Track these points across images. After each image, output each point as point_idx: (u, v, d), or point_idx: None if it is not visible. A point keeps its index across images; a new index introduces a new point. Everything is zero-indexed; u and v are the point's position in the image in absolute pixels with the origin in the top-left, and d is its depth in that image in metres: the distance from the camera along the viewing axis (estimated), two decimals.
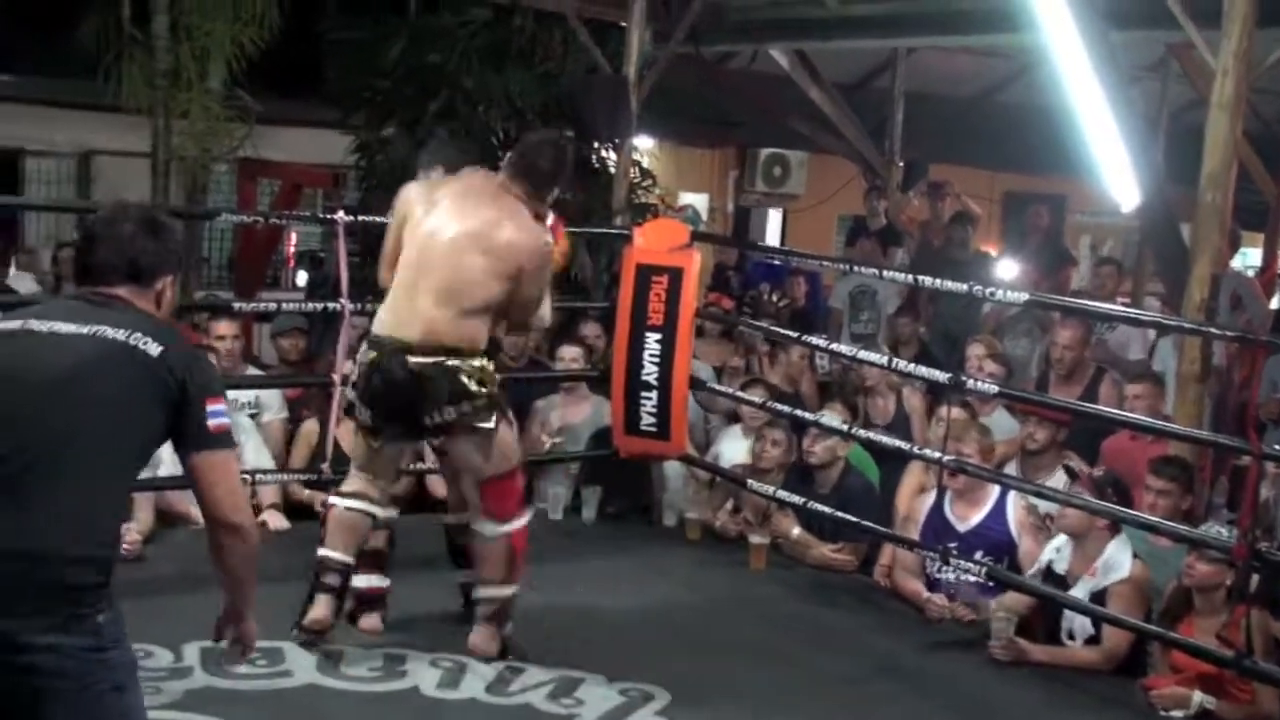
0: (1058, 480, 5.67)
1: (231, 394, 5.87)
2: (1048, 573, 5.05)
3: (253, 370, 6.58)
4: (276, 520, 5.86)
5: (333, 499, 4.72)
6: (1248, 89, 5.32)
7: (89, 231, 2.85)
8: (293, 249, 12.93)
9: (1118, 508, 4.80)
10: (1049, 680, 4.79)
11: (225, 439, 2.75)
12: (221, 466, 2.75)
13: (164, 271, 2.81)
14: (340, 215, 5.63)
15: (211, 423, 2.70)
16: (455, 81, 9.22)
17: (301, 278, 12.70)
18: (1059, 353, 6.40)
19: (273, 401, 6.35)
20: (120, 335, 2.63)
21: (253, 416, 6.15)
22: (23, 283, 7.60)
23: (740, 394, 6.40)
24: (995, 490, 5.40)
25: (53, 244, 9.71)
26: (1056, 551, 5.05)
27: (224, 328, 6.22)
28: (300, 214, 10.93)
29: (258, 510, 5.85)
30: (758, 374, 7.24)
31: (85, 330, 2.63)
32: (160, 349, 2.64)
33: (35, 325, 2.65)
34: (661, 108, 9.01)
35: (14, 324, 2.68)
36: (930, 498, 5.54)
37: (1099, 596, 4.84)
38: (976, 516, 5.40)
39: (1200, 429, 5.48)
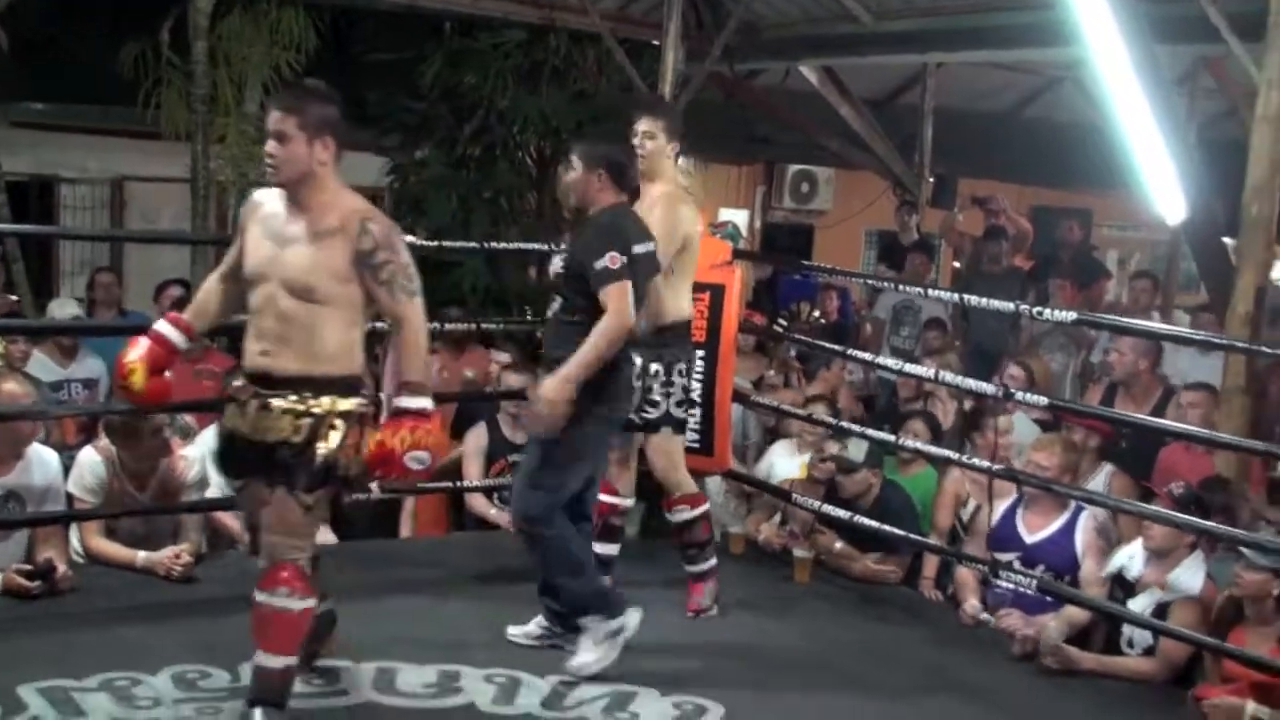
0: (1099, 484, 5.70)
1: None
2: (1118, 578, 5.06)
3: None
4: (324, 535, 5.88)
5: None
6: None
7: None
8: None
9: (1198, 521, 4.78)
10: (1101, 691, 4.79)
11: None
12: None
13: None
14: None
15: None
16: (490, 102, 9.29)
17: None
18: (1115, 358, 6.41)
19: None
20: None
21: None
22: (66, 309, 7.65)
23: (793, 410, 6.43)
24: (1071, 506, 5.41)
25: (87, 270, 9.77)
26: (1130, 558, 5.05)
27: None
28: None
29: None
30: (796, 388, 7.26)
31: None
32: None
33: None
34: (691, 125, 9.04)
35: None
36: (1006, 503, 5.51)
37: (1162, 609, 4.84)
38: (1046, 530, 5.41)
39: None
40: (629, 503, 5.44)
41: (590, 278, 4.49)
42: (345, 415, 3.89)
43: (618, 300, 4.47)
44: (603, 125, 8.39)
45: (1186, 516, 4.77)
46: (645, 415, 5.12)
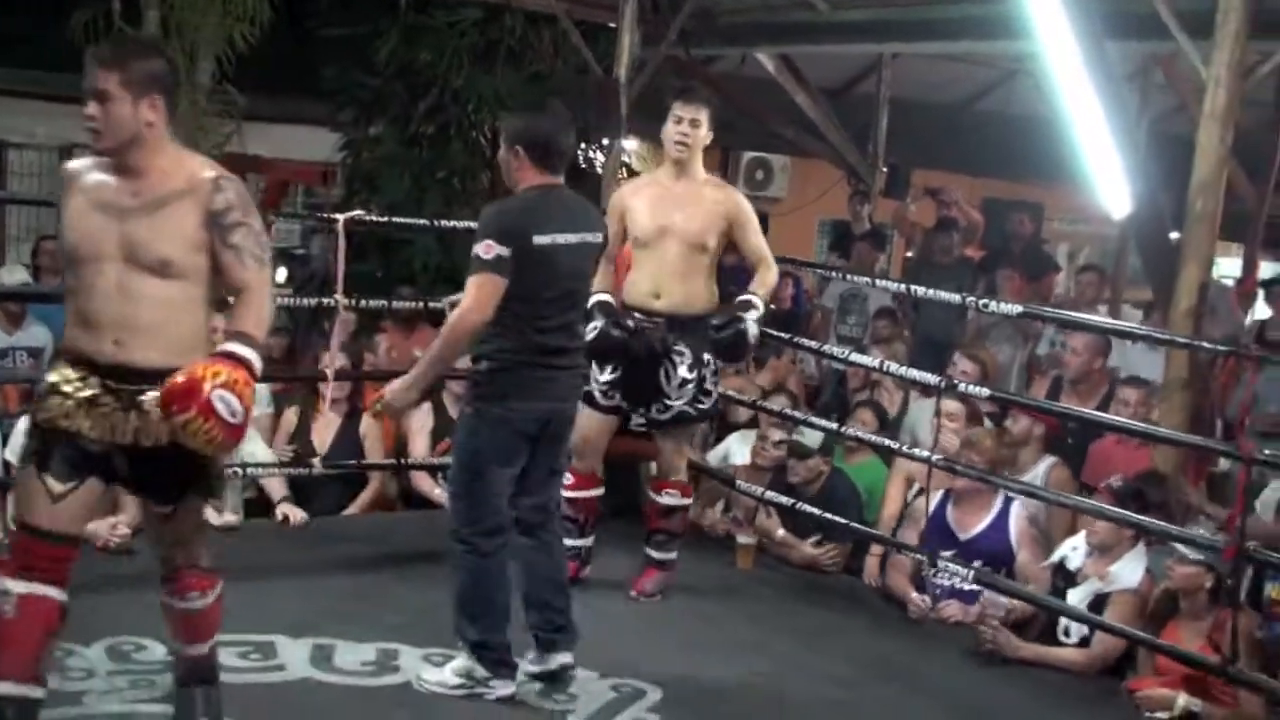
0: (1038, 475, 5.74)
1: None
2: (1059, 568, 5.10)
3: None
4: (295, 513, 5.90)
5: None
6: (1238, 100, 5.37)
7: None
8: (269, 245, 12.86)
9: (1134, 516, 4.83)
10: (1037, 681, 4.85)
11: None
12: None
13: None
14: (339, 215, 5.63)
15: None
16: (445, 81, 9.26)
17: (280, 274, 12.67)
18: (1069, 357, 6.45)
19: (262, 396, 6.33)
20: None
21: None
22: (15, 274, 7.56)
23: (739, 397, 6.44)
24: (1000, 500, 5.45)
25: (34, 237, 9.66)
26: (1073, 549, 5.10)
27: (216, 321, 6.21)
28: (298, 213, 10.96)
29: (269, 507, 5.89)
30: (745, 375, 7.27)
31: None
32: None
33: None
34: (647, 109, 9.04)
35: None
36: (934, 499, 5.54)
37: (1100, 600, 4.90)
38: (978, 525, 5.46)
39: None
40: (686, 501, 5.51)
41: None
42: None
43: (473, 293, 4.12)
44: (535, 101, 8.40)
45: (1121, 511, 4.82)
46: (700, 406, 5.22)
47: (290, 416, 6.29)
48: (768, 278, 5.25)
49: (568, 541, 5.03)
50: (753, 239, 5.24)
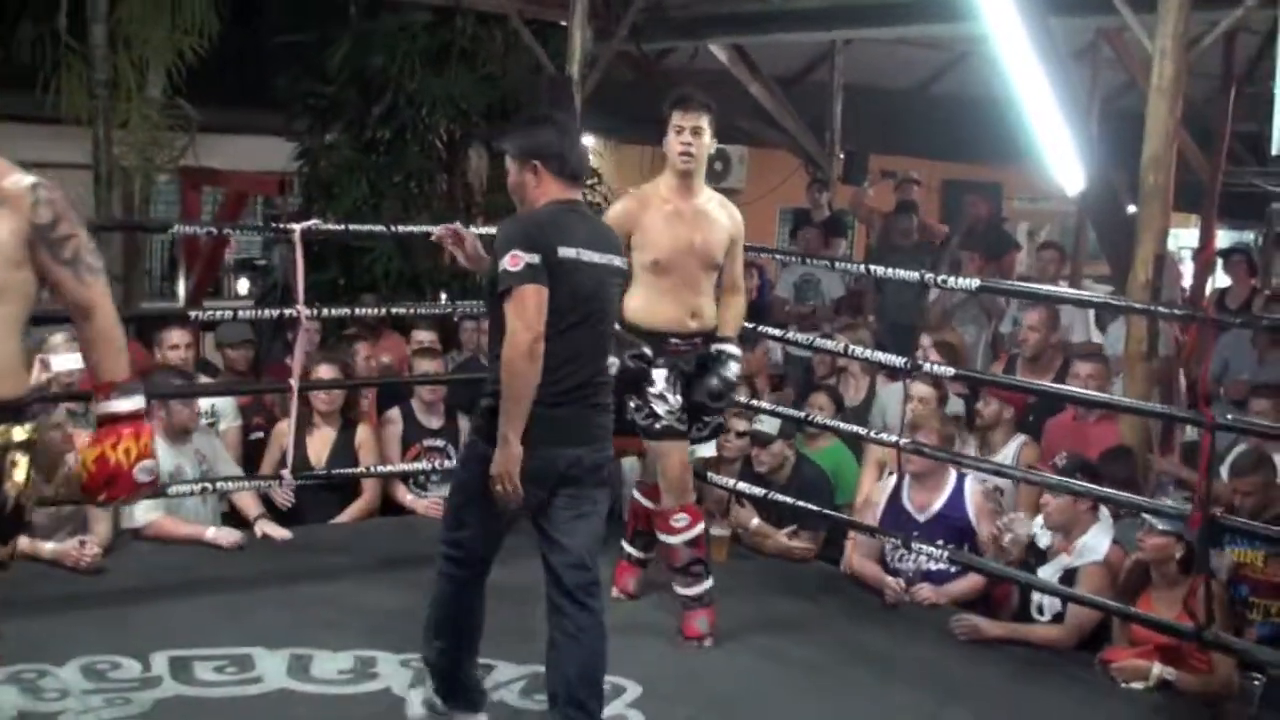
0: (1008, 454, 5.78)
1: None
2: (1030, 546, 5.14)
3: (204, 379, 6.52)
4: (275, 530, 5.79)
5: None
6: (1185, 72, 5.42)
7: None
8: (229, 257, 12.82)
9: (1081, 484, 4.86)
10: (1012, 658, 4.87)
11: None
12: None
13: None
14: (297, 225, 5.58)
15: None
16: (398, 85, 9.24)
17: (243, 285, 12.63)
18: (1025, 334, 6.49)
19: (228, 409, 6.31)
20: None
21: (210, 424, 6.12)
22: None
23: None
24: (953, 476, 5.48)
25: None
26: (1040, 526, 5.13)
27: (177, 337, 6.19)
28: (255, 225, 10.91)
29: (245, 523, 5.82)
30: None
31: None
32: None
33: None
34: (601, 105, 9.05)
35: None
36: (890, 484, 5.60)
37: (1070, 574, 4.93)
38: (935, 504, 5.48)
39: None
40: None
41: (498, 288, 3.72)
42: (25, 446, 3.14)
43: (514, 312, 3.66)
44: (518, 112, 8.39)
45: (1087, 485, 4.85)
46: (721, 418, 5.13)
47: (284, 428, 6.11)
48: (740, 309, 5.11)
49: (698, 588, 4.94)
50: (738, 265, 5.08)
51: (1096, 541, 4.96)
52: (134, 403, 3.22)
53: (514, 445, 3.68)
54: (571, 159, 3.86)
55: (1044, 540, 5.11)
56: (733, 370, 5.00)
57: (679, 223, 4.86)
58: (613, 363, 4.26)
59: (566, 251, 3.73)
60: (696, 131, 4.80)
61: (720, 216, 4.96)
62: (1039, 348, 6.42)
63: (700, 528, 5.00)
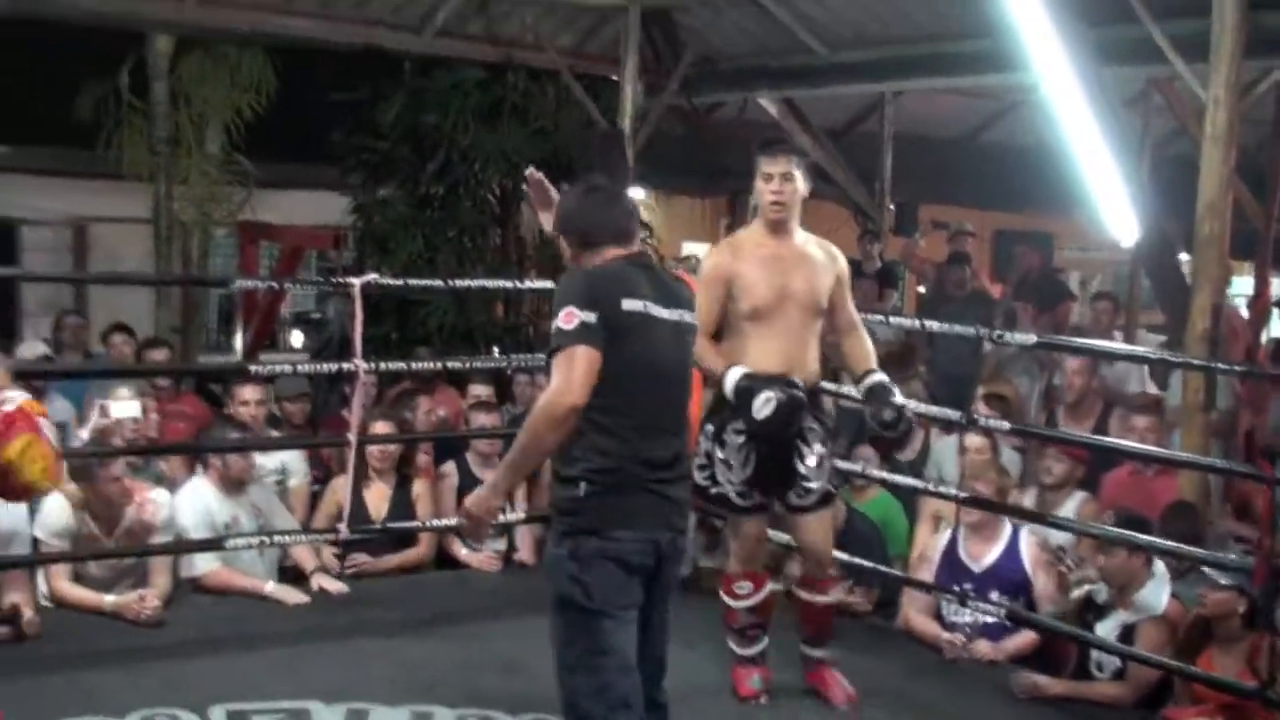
0: (1069, 511, 5.73)
1: (259, 459, 5.93)
2: (1088, 602, 5.09)
3: (273, 432, 6.58)
4: (331, 584, 5.84)
5: None
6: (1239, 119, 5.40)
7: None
8: (285, 310, 12.97)
9: (1130, 534, 4.81)
10: (1074, 716, 4.81)
11: None
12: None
13: None
14: (357, 280, 5.65)
15: None
16: (451, 140, 9.34)
17: (297, 338, 12.75)
18: (1068, 379, 6.45)
19: (298, 466, 6.37)
20: None
21: (279, 482, 6.17)
22: (35, 349, 7.62)
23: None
24: (1008, 528, 5.44)
25: (51, 312, 9.74)
26: (1099, 583, 5.08)
27: (249, 393, 6.24)
28: (315, 280, 11.04)
29: (300, 577, 5.86)
30: None
31: None
32: None
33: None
34: (652, 158, 9.11)
35: None
36: (945, 537, 5.57)
37: (1129, 630, 4.88)
38: (990, 556, 5.44)
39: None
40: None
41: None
42: None
43: (561, 371, 3.35)
44: (570, 167, 8.41)
45: (1150, 538, 4.80)
46: (835, 482, 4.89)
47: (341, 482, 6.13)
48: (869, 344, 4.83)
49: (752, 649, 4.88)
50: (851, 304, 4.83)
51: (1154, 597, 4.90)
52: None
53: (497, 498, 3.56)
54: (621, 221, 3.61)
55: (1101, 595, 5.06)
56: (898, 394, 4.73)
57: (777, 267, 4.62)
58: (768, 398, 4.30)
59: (632, 304, 3.43)
60: (786, 177, 4.59)
61: (821, 257, 4.73)
62: (1081, 392, 6.38)
63: (763, 594, 4.85)
